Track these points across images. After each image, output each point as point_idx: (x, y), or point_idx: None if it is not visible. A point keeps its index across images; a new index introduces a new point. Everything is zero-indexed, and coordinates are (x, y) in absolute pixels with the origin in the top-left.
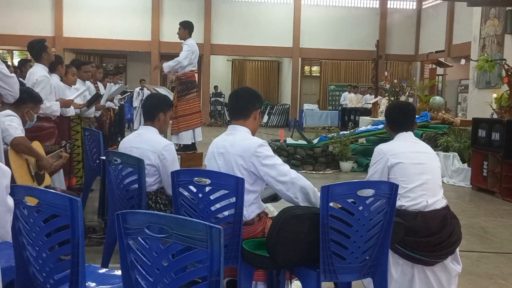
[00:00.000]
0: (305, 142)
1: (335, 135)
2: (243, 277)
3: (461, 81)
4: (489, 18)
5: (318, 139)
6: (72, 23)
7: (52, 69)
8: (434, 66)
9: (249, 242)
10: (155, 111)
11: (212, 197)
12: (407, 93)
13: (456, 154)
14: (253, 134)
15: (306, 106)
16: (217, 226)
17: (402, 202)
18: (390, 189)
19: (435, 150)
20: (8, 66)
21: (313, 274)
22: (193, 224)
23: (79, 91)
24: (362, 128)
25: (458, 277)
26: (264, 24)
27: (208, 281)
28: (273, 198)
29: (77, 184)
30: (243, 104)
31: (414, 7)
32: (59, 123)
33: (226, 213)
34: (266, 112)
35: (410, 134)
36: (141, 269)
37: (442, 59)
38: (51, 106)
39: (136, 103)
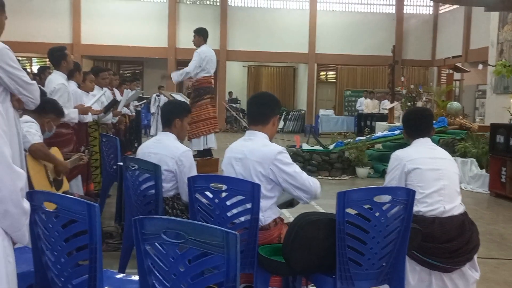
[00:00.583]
0: (321, 148)
1: (351, 140)
2: (259, 283)
3: (478, 86)
4: (507, 23)
5: (334, 144)
6: (89, 30)
7: (69, 76)
8: (451, 71)
9: (265, 248)
10: (171, 117)
11: (228, 203)
12: (424, 98)
13: (474, 160)
14: (271, 140)
15: (322, 112)
16: (233, 232)
17: (419, 207)
18: (407, 195)
19: (452, 156)
20: (28, 73)
21: (329, 281)
22: (210, 230)
23: (96, 97)
24: (378, 133)
25: (476, 284)
26: (280, 30)
27: (224, 287)
28: (289, 204)
29: (95, 190)
30: (263, 110)
31: (431, 12)
32: (77, 129)
33: (242, 218)
34: (282, 117)
35: (427, 140)
36: (158, 274)
37: (459, 64)
38: (69, 113)
39: (153, 109)
